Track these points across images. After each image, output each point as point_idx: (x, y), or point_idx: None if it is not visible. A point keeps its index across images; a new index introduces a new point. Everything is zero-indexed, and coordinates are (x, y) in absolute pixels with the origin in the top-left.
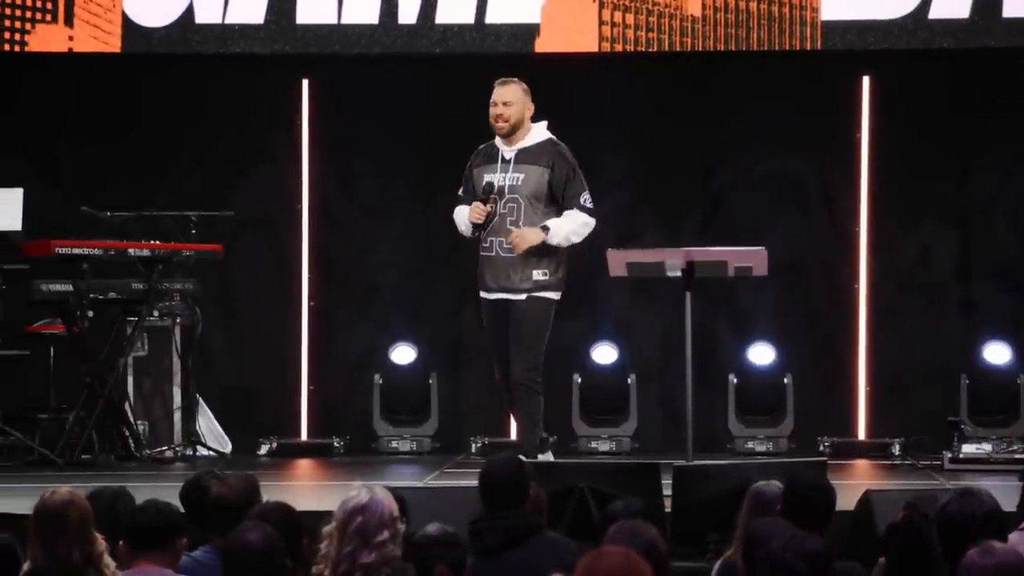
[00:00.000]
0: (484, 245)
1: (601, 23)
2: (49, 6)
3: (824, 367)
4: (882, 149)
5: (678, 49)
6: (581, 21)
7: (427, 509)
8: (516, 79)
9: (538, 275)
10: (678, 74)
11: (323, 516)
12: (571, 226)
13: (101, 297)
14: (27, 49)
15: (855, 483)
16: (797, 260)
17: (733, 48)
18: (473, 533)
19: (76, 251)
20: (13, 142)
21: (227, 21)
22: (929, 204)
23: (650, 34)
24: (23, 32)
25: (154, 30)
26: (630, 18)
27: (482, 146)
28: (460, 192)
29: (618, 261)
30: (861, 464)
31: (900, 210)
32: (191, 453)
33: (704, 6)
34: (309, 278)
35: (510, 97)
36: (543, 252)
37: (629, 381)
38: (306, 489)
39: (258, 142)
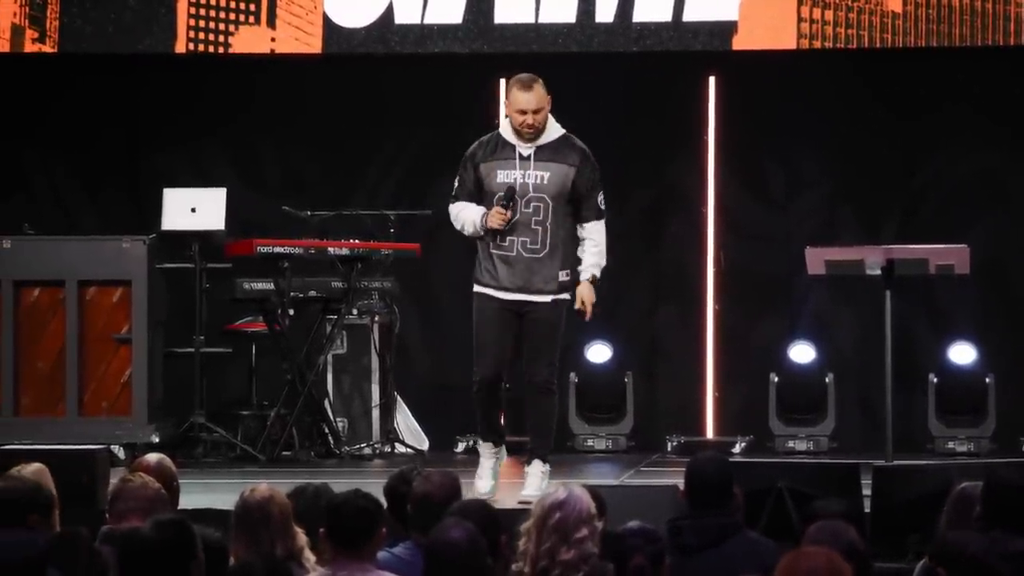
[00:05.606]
0: (503, 245)
1: (800, 20)
2: (252, 8)
3: None
4: None
5: (878, 46)
6: (780, 18)
7: (624, 507)
8: (535, 78)
9: (563, 276)
10: (878, 71)
11: (520, 514)
12: (601, 256)
13: (301, 295)
14: (230, 51)
15: None
16: (999, 258)
17: (935, 44)
18: (673, 531)
19: (277, 250)
20: (215, 143)
21: (426, 21)
22: None
23: (850, 31)
24: (227, 34)
25: (354, 31)
26: (829, 15)
27: (485, 138)
28: (457, 184)
29: (817, 259)
30: None
31: None
32: (389, 450)
33: (905, 2)
34: None
35: (541, 103)
36: (566, 253)
37: (827, 380)
38: (502, 487)
39: (455, 142)
